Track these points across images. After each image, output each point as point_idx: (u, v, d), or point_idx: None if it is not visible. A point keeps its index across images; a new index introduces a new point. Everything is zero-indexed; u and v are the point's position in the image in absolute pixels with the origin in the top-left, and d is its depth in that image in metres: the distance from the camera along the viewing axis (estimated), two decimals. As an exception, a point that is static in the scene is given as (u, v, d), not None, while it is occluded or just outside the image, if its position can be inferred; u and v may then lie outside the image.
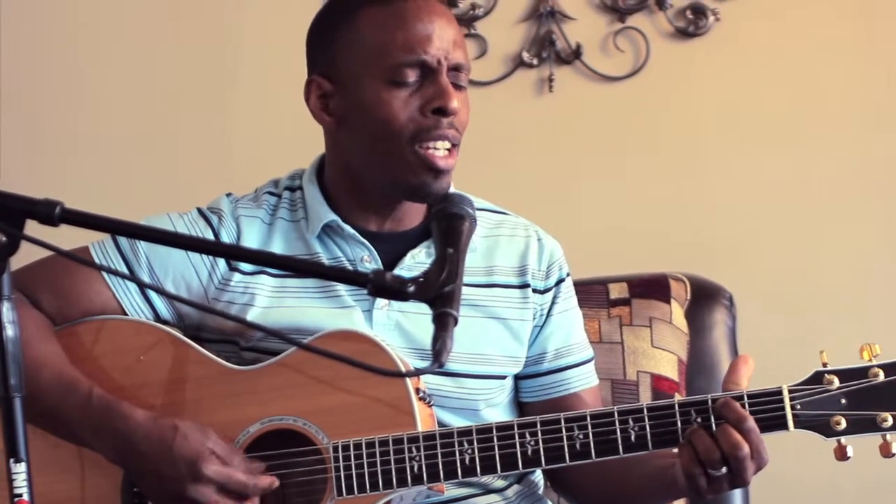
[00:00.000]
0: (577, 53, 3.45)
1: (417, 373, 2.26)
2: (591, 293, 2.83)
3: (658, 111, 3.46)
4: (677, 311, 2.83)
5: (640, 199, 3.47)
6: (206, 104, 3.59)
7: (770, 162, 3.44)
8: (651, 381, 2.77)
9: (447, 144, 2.34)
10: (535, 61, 3.47)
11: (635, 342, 2.79)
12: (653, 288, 2.85)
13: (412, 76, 2.33)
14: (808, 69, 3.43)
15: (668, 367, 2.79)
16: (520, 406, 2.53)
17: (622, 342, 2.79)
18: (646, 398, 2.75)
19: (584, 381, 2.52)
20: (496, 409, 2.46)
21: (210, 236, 2.42)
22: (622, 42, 3.45)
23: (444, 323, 1.89)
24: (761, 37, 3.44)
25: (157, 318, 2.42)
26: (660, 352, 2.79)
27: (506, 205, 2.59)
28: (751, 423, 2.18)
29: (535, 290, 2.48)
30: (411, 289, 1.90)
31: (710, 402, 2.21)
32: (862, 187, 3.42)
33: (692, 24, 3.43)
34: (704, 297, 2.89)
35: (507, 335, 2.45)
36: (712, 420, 2.20)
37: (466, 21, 3.47)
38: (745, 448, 2.16)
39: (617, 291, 2.85)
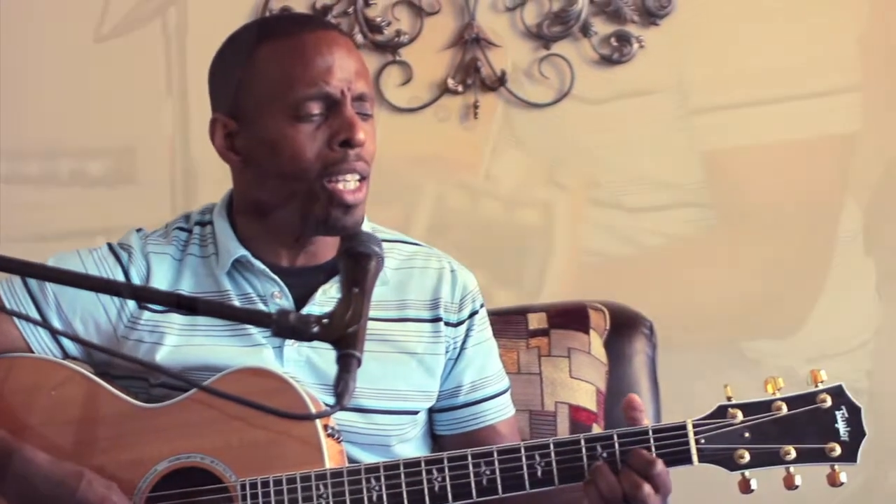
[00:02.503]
0: (501, 80, 3.46)
1: (317, 416, 2.26)
2: (510, 323, 2.83)
3: (583, 138, 3.46)
4: (596, 342, 2.84)
5: (564, 226, 3.47)
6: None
7: (693, 188, 3.44)
8: (569, 411, 2.77)
9: (356, 177, 2.34)
10: (460, 88, 3.47)
11: (553, 373, 2.79)
12: (572, 318, 2.85)
13: (316, 109, 2.33)
14: (732, 95, 3.44)
15: (587, 398, 2.79)
16: (435, 439, 2.53)
17: (540, 373, 2.79)
18: (564, 429, 2.75)
19: (500, 413, 2.52)
20: (409, 444, 2.46)
21: (119, 273, 2.41)
22: (547, 69, 3.45)
23: (347, 364, 1.89)
24: (685, 63, 3.45)
25: (66, 355, 2.41)
26: (578, 382, 2.79)
27: (430, 232, 2.59)
28: (659, 466, 2.20)
29: (447, 324, 2.48)
30: (315, 329, 1.89)
31: (615, 437, 2.22)
32: (784, 213, 3.43)
33: (616, 52, 3.44)
34: (624, 325, 2.89)
35: (420, 370, 2.45)
36: (617, 455, 2.22)
37: (391, 48, 3.47)
38: (646, 488, 2.18)
39: (536, 322, 2.85)
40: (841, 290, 3.39)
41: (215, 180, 2.48)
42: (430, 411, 2.50)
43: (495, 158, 3.48)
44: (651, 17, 3.43)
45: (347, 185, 2.33)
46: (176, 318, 2.39)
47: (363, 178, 2.35)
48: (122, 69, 3.49)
